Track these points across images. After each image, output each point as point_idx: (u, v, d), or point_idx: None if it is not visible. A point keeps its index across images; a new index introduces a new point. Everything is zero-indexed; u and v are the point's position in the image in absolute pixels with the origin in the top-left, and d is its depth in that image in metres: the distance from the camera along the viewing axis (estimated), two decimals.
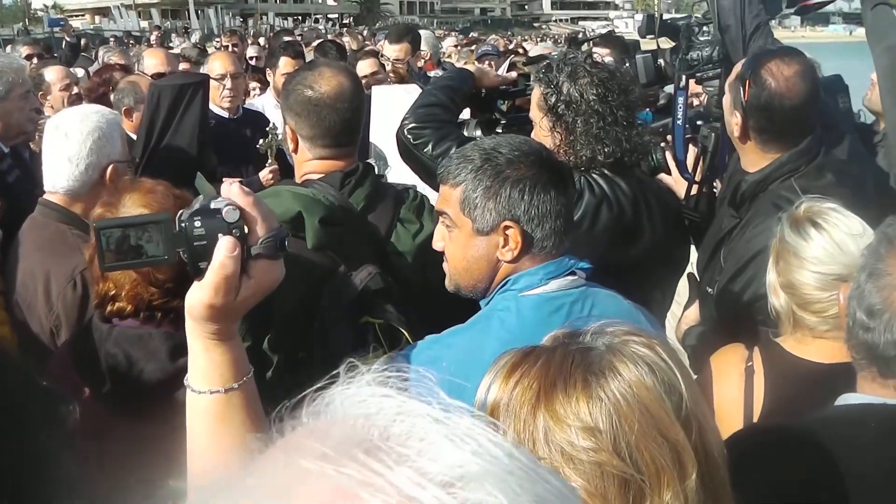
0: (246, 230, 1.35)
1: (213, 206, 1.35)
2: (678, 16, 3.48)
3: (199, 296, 1.37)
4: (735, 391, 2.37)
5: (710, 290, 3.01)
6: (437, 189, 3.04)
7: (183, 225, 1.34)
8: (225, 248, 1.33)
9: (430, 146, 2.95)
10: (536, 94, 2.91)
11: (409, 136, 3.01)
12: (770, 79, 2.83)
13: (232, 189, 1.37)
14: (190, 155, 3.95)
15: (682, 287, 3.37)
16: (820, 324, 2.31)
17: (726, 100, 2.99)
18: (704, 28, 3.60)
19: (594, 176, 2.79)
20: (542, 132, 2.85)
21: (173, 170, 3.57)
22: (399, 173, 3.74)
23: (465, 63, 10.15)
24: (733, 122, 2.93)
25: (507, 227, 2.04)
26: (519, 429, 1.26)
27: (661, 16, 3.64)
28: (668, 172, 3.43)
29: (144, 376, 2.12)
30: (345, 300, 2.48)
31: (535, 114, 2.92)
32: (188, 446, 1.46)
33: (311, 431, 0.64)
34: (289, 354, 2.45)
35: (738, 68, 2.96)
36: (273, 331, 2.42)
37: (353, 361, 0.72)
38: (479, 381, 1.77)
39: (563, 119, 2.80)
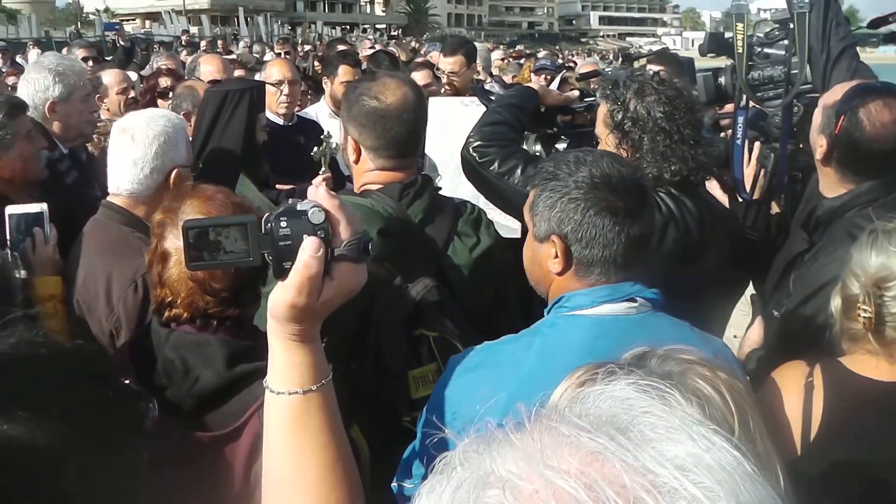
0: (331, 232, 1.36)
1: (299, 207, 1.36)
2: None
3: (282, 295, 1.37)
4: (794, 407, 2.35)
5: (776, 312, 2.97)
6: (500, 207, 3.06)
7: (269, 226, 1.35)
8: (309, 248, 1.34)
9: (495, 164, 2.94)
10: (603, 110, 2.89)
11: (474, 155, 3.00)
12: (866, 120, 2.79)
13: (318, 192, 1.38)
14: (234, 159, 3.95)
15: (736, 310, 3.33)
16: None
17: (817, 119, 2.94)
18: (766, 48, 3.56)
19: (661, 195, 2.76)
20: (608, 149, 2.83)
21: (216, 173, 3.61)
22: (449, 184, 3.75)
23: (515, 77, 10.16)
24: (818, 143, 2.89)
25: (555, 240, 2.05)
26: None
27: (724, 34, 3.60)
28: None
29: (200, 382, 2.12)
30: (400, 312, 2.48)
31: (600, 130, 2.90)
32: (265, 447, 1.48)
33: (571, 411, 0.78)
34: (342, 363, 2.45)
35: (838, 95, 2.90)
36: (328, 339, 2.41)
37: None
38: (512, 392, 1.83)
39: (630, 136, 2.78)
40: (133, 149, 3.00)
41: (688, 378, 1.27)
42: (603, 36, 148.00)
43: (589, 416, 0.75)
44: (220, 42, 18.43)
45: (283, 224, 1.34)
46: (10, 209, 3.08)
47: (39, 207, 3.12)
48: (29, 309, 2.69)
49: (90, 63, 7.66)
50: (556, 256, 2.06)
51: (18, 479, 0.88)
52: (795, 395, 2.36)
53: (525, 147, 3.22)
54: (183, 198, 2.25)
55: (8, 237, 3.05)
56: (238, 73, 7.39)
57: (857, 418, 2.24)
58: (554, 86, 5.79)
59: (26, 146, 3.49)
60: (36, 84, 4.03)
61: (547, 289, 2.16)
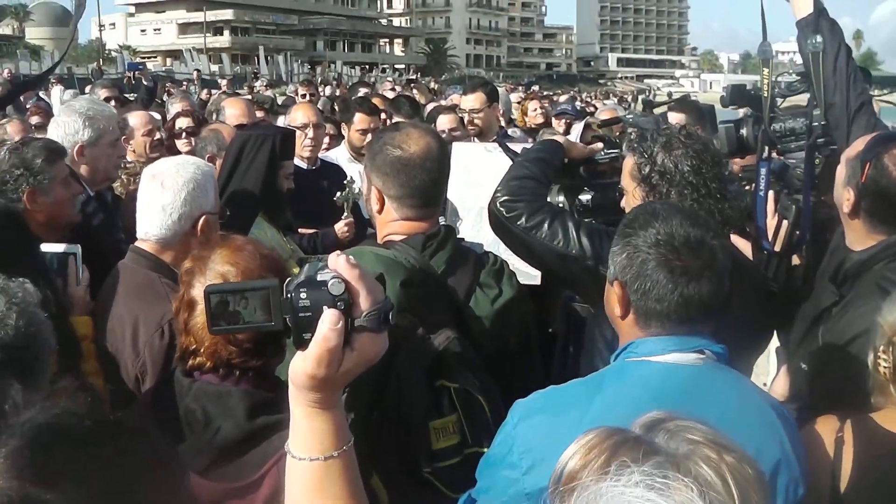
0: (350, 302, 1.36)
1: (319, 277, 1.36)
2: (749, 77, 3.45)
3: (302, 366, 1.38)
4: (824, 462, 2.35)
5: (804, 365, 2.95)
6: (527, 261, 3.08)
7: (289, 295, 1.36)
8: (329, 321, 1.34)
9: (523, 219, 2.94)
10: (629, 163, 2.90)
11: (501, 209, 3.00)
12: (892, 165, 2.80)
13: (339, 261, 1.38)
14: (252, 203, 3.98)
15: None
16: None
17: (840, 174, 2.94)
18: (788, 100, 3.58)
19: None
20: (635, 202, 2.84)
21: (232, 216, 3.63)
22: (471, 229, 3.76)
23: (527, 119, 10.17)
24: (845, 196, 2.89)
25: (616, 285, 2.13)
26: None
27: (746, 86, 3.62)
28: None
29: (221, 433, 2.12)
30: (422, 362, 2.48)
31: (627, 183, 2.91)
32: None
33: None
34: (363, 413, 2.45)
35: (860, 146, 2.91)
36: (349, 389, 2.42)
37: None
38: (576, 435, 1.84)
39: (657, 189, 2.79)
40: (162, 195, 3.04)
41: (691, 461, 1.26)
42: (621, 77, 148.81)
43: None
44: (223, 82, 18.56)
45: (304, 295, 1.35)
46: (45, 247, 3.13)
47: (73, 248, 3.16)
48: (69, 348, 2.72)
49: (112, 103, 7.74)
50: (618, 301, 2.13)
51: None
52: (825, 450, 2.35)
53: (548, 198, 3.24)
54: (213, 247, 2.27)
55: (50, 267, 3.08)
56: (259, 114, 7.46)
57: (886, 474, 2.25)
58: (576, 132, 5.81)
59: (63, 191, 3.55)
60: (66, 127, 4.11)
61: (618, 329, 2.22)
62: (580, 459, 1.32)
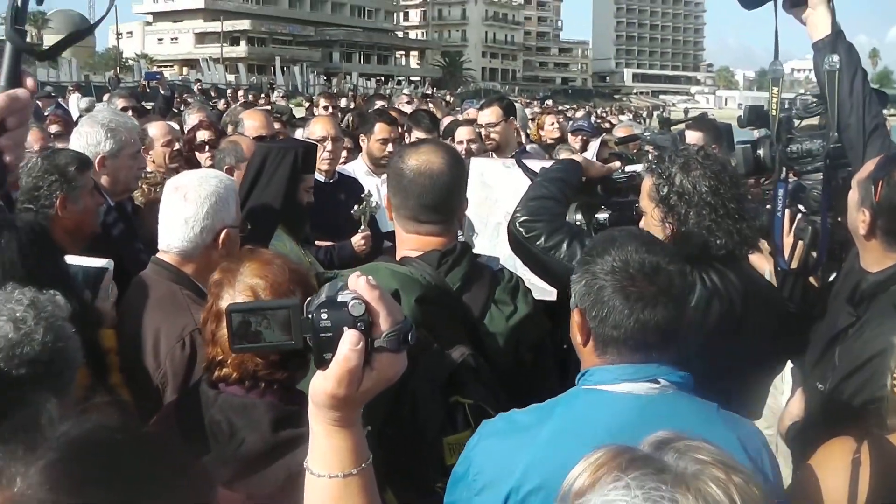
0: (371, 323, 1.38)
1: (339, 298, 1.38)
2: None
3: (322, 385, 1.40)
4: (840, 483, 2.32)
5: (820, 386, 2.95)
6: (545, 280, 3.09)
7: (311, 316, 1.38)
8: (349, 341, 1.36)
9: (542, 239, 2.98)
10: (648, 183, 2.92)
11: (521, 229, 3.04)
12: None
13: (359, 282, 1.40)
14: (272, 215, 4.01)
15: None
16: None
17: (853, 197, 2.95)
18: (806, 121, 3.58)
19: (706, 269, 2.79)
20: (653, 222, 2.86)
21: (252, 228, 3.66)
22: (487, 244, 3.77)
23: (543, 134, 10.17)
24: (860, 219, 2.90)
25: (575, 312, 2.16)
26: None
27: (764, 107, 3.62)
28: None
29: (245, 445, 2.14)
30: (437, 378, 2.51)
31: (645, 203, 2.93)
32: None
33: None
34: (378, 428, 2.47)
35: (870, 167, 2.91)
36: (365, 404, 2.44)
37: None
38: (529, 461, 1.97)
39: (675, 210, 2.81)
40: (185, 207, 3.07)
41: (700, 480, 1.28)
42: (636, 93, 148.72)
43: None
44: (251, 95, 18.50)
45: (325, 316, 1.37)
46: (77, 260, 3.15)
47: (105, 263, 3.18)
48: (99, 362, 2.75)
49: (130, 112, 7.79)
50: (578, 328, 2.16)
51: None
52: (842, 472, 2.34)
53: (566, 216, 3.26)
54: (241, 260, 2.29)
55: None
56: (276, 125, 7.49)
57: None
58: (592, 150, 5.82)
59: (90, 201, 3.64)
60: (88, 138, 4.16)
61: (580, 357, 2.23)
62: (589, 477, 1.33)
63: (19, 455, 0.97)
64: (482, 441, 2.10)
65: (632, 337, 2.07)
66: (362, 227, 4.97)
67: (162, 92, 13.94)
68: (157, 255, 3.17)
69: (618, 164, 3.57)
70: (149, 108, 12.09)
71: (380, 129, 5.86)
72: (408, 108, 10.02)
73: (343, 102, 18.82)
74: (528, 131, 9.56)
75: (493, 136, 6.29)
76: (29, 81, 1.52)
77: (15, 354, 1.97)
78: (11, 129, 1.50)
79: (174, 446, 1.22)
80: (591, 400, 2.08)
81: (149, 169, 5.08)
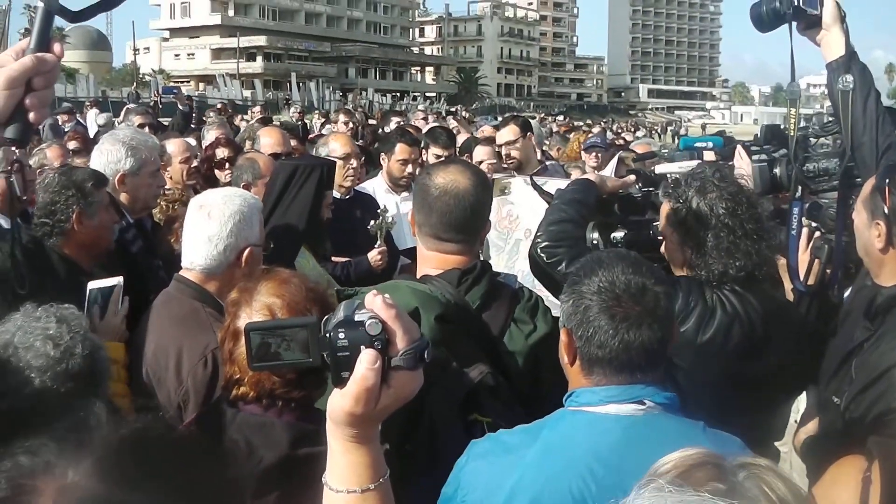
0: (387, 341, 1.41)
1: (356, 318, 1.41)
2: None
3: (340, 403, 1.43)
4: (851, 497, 2.32)
5: (836, 399, 2.95)
6: None
7: (328, 335, 1.40)
8: (367, 360, 1.39)
9: (563, 265, 2.99)
10: (665, 208, 2.94)
11: (542, 255, 3.05)
12: None
13: (375, 301, 1.43)
14: (297, 233, 4.05)
15: None
16: None
17: (861, 218, 2.94)
18: (822, 140, 3.59)
19: (726, 293, 2.80)
20: (672, 246, 2.88)
21: (278, 246, 3.69)
22: (507, 260, 3.79)
23: (560, 149, 10.17)
24: (874, 235, 2.88)
25: (562, 332, 2.19)
26: None
27: (781, 125, 3.63)
28: None
29: (263, 464, 2.15)
30: (455, 396, 2.52)
31: (664, 228, 2.95)
32: None
33: None
34: (396, 446, 2.48)
35: (870, 184, 2.92)
36: (384, 421, 2.45)
37: None
38: (515, 481, 1.99)
39: (694, 233, 2.82)
40: (209, 226, 3.10)
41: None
42: (652, 109, 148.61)
43: None
44: (257, 108, 18.42)
45: (342, 335, 1.40)
46: (92, 284, 3.22)
47: (116, 281, 3.25)
48: None
49: (147, 129, 7.86)
50: (565, 348, 2.18)
51: None
52: (853, 490, 2.34)
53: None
54: (258, 279, 2.32)
55: (86, 308, 3.15)
56: (292, 142, 7.54)
57: None
58: (611, 168, 5.83)
59: (106, 216, 3.68)
60: (109, 155, 4.21)
61: (567, 377, 2.25)
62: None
63: (71, 451, 1.01)
64: (470, 462, 2.13)
65: (616, 357, 2.08)
66: (378, 242, 4.99)
67: (180, 107, 13.96)
68: (181, 272, 3.19)
69: (632, 178, 3.58)
70: (165, 123, 12.17)
71: (400, 150, 5.88)
72: (423, 126, 10.06)
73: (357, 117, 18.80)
74: (545, 148, 9.58)
75: (513, 154, 6.32)
76: (56, 47, 1.58)
77: (60, 371, 2.02)
78: (38, 90, 1.56)
79: (216, 449, 1.27)
80: (576, 421, 2.10)
81: (167, 186, 5.13)
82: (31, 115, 1.57)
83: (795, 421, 3.50)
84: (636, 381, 2.10)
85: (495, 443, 2.15)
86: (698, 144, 4.06)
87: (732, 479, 1.34)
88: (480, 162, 6.14)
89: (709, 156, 5.18)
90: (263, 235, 3.32)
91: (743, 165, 3.57)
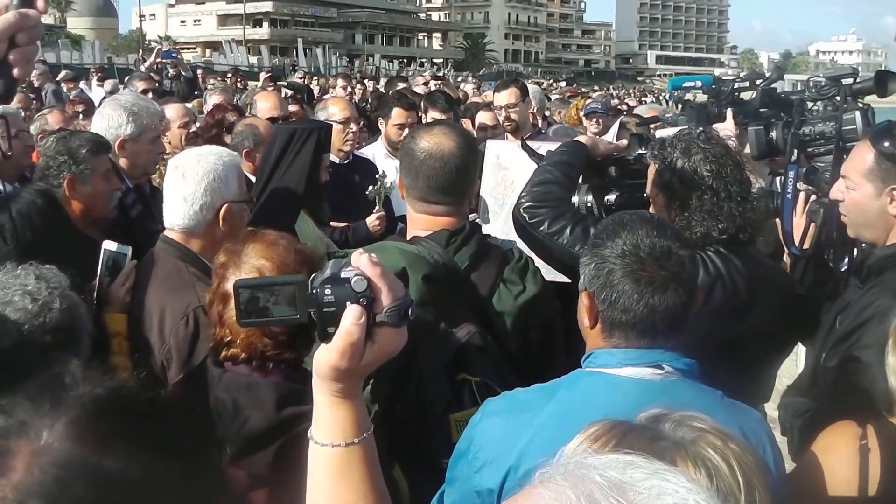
0: (372, 298, 1.43)
1: (343, 274, 1.43)
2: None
3: (326, 358, 1.45)
4: (849, 470, 2.28)
5: (824, 355, 2.97)
6: (549, 265, 3.10)
7: (315, 291, 1.43)
8: (352, 315, 1.41)
9: (545, 225, 2.97)
10: (651, 170, 2.93)
11: (524, 216, 3.03)
12: None
13: (361, 259, 1.45)
14: (296, 196, 4.05)
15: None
16: None
17: (864, 191, 2.90)
18: (818, 103, 3.58)
19: (709, 253, 2.78)
20: (658, 208, 2.87)
21: (278, 209, 3.68)
22: (503, 226, 3.78)
23: (561, 112, 10.12)
24: (886, 202, 2.85)
25: (584, 295, 2.15)
26: None
27: (776, 89, 3.62)
28: None
29: (249, 423, 2.17)
30: (444, 356, 2.54)
31: (651, 189, 2.94)
32: (308, 494, 1.55)
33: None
34: (385, 406, 2.51)
35: (864, 157, 2.89)
36: (372, 380, 2.47)
37: None
38: (529, 439, 1.98)
39: (678, 195, 2.81)
40: (184, 186, 3.11)
41: (699, 446, 1.30)
42: (660, 75, 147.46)
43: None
44: (262, 75, 18.18)
45: (328, 291, 1.42)
46: (107, 244, 3.22)
47: (127, 249, 3.25)
48: (98, 343, 2.81)
49: (150, 95, 7.83)
50: (586, 311, 2.15)
51: None
52: (850, 458, 2.29)
53: (576, 198, 3.26)
54: (245, 240, 2.32)
55: (99, 271, 3.17)
56: (292, 107, 7.52)
57: None
58: (612, 133, 5.79)
59: (102, 184, 3.66)
60: (110, 120, 4.20)
61: (586, 339, 2.23)
62: (586, 449, 1.36)
63: (46, 411, 1.02)
64: (484, 419, 2.12)
65: (640, 321, 2.06)
66: (377, 207, 5.00)
67: (183, 73, 13.84)
68: (164, 232, 3.22)
69: (624, 142, 3.56)
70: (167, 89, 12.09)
71: (397, 115, 5.87)
72: (423, 90, 10.02)
73: (370, 85, 18.63)
74: (547, 114, 9.53)
75: (512, 116, 6.30)
76: (39, 3, 1.59)
77: (38, 324, 2.04)
78: (21, 46, 1.57)
79: (192, 409, 1.28)
80: (593, 382, 2.09)
81: (166, 150, 5.12)
82: (15, 71, 1.58)
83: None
84: (657, 345, 2.09)
85: (510, 400, 2.15)
86: (687, 84, 4.05)
87: (658, 430, 1.35)
88: (484, 128, 6.14)
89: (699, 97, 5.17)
90: (245, 191, 3.32)
91: (729, 127, 3.56)
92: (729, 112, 3.64)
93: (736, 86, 3.74)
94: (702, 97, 4.02)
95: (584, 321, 2.17)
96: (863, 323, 2.75)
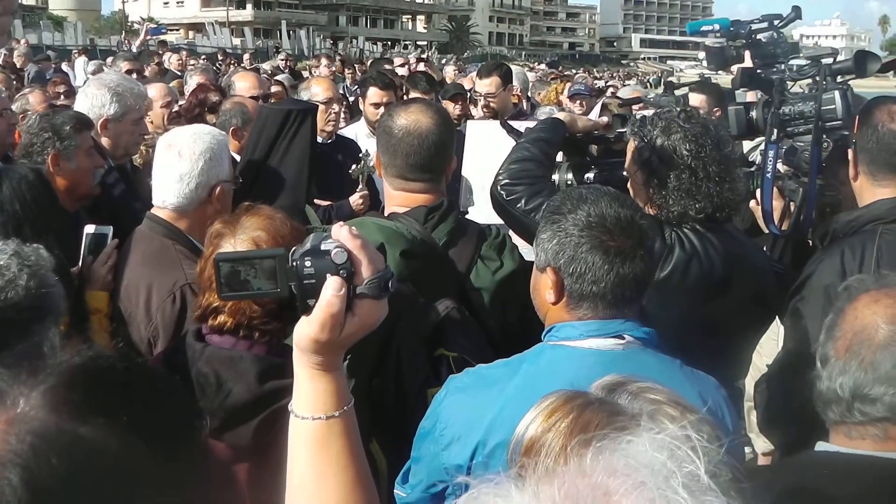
0: (353, 271, 1.43)
1: (323, 247, 1.43)
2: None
3: (306, 330, 1.45)
4: None
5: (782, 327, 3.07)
6: (527, 242, 3.10)
7: (295, 264, 1.43)
8: (332, 287, 1.41)
9: (522, 202, 2.97)
10: (631, 147, 2.94)
11: (501, 192, 3.04)
12: (878, 112, 2.99)
13: (342, 231, 1.45)
14: (300, 182, 4.04)
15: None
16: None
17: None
18: (799, 83, 3.59)
19: (686, 231, 2.80)
20: (637, 186, 2.88)
21: (279, 193, 3.67)
22: (486, 206, 3.79)
23: (543, 95, 10.11)
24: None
25: (550, 271, 2.15)
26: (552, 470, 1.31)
27: (757, 70, 3.61)
28: None
29: (232, 396, 2.17)
30: (421, 331, 2.56)
31: (629, 167, 2.95)
32: (288, 466, 1.55)
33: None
34: (364, 380, 2.51)
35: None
36: (350, 356, 2.47)
37: None
38: (495, 415, 1.99)
39: (657, 173, 2.82)
40: (180, 164, 3.10)
41: (655, 420, 1.31)
42: (644, 58, 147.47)
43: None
44: (246, 57, 18.02)
45: (308, 264, 1.42)
46: (89, 228, 3.23)
47: (108, 229, 3.25)
48: (78, 319, 2.80)
49: (134, 75, 7.79)
50: (551, 287, 2.14)
51: (90, 478, 0.95)
52: None
53: (557, 176, 3.26)
54: (239, 215, 2.32)
55: (82, 253, 3.18)
56: (275, 88, 7.51)
57: None
58: (594, 114, 5.81)
59: (85, 161, 3.68)
60: (94, 99, 4.21)
61: (544, 316, 2.24)
62: (542, 423, 1.37)
63: (23, 379, 1.01)
64: (449, 396, 2.14)
65: (611, 291, 2.08)
66: (360, 186, 5.01)
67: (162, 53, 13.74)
68: (152, 210, 3.20)
69: (604, 119, 3.56)
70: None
71: (373, 94, 5.87)
72: (401, 71, 10.00)
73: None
74: (530, 94, 9.53)
75: (491, 104, 6.31)
76: None
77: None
78: None
79: (171, 379, 1.28)
80: (556, 355, 2.11)
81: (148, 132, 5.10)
82: None
83: (767, 366, 3.53)
84: (619, 315, 2.11)
85: (475, 377, 2.17)
86: (704, 28, 4.04)
87: (614, 404, 1.36)
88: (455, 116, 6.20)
89: (694, 99, 5.18)
90: (232, 171, 3.32)
91: (749, 66, 3.61)
92: (747, 54, 3.65)
93: (754, 27, 3.75)
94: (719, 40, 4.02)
95: (545, 297, 2.17)
96: (805, 279, 2.88)
